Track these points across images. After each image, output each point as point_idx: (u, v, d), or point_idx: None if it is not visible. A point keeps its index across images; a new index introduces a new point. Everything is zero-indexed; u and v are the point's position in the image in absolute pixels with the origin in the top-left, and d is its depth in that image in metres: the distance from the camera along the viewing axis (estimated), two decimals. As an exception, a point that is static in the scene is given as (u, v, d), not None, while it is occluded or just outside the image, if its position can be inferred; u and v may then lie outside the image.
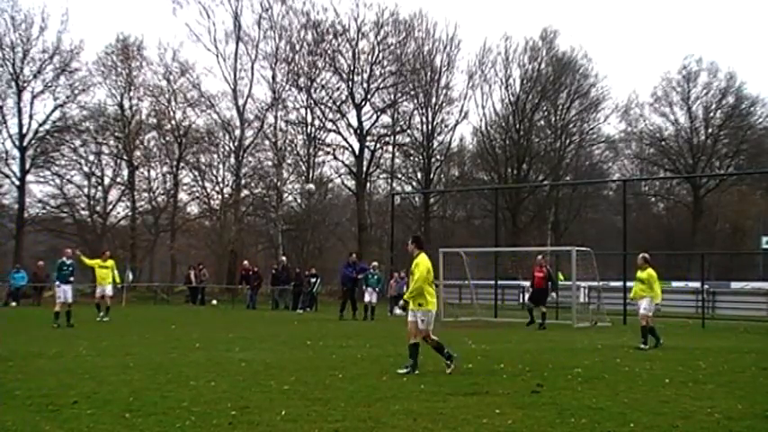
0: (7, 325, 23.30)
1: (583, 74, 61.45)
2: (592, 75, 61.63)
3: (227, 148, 53.93)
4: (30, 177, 49.67)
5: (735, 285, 45.28)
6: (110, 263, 26.61)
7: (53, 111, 49.61)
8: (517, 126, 59.76)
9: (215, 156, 54.61)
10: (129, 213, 53.05)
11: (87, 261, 26.93)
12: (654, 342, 17.84)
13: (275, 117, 52.94)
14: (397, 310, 34.97)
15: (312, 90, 53.67)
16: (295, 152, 54.70)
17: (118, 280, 27.53)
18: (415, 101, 56.42)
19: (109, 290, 26.59)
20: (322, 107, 54.51)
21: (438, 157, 58.80)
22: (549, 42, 60.39)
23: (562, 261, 34.99)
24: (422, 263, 12.85)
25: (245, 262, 41.93)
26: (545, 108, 61.67)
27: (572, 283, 28.42)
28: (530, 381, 11.66)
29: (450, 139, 59.51)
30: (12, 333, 20.12)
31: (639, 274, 18.46)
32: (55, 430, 7.94)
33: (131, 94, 51.68)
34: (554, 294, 27.76)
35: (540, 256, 27.72)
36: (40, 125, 49.32)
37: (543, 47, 60.21)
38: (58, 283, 23.95)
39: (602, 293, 31.81)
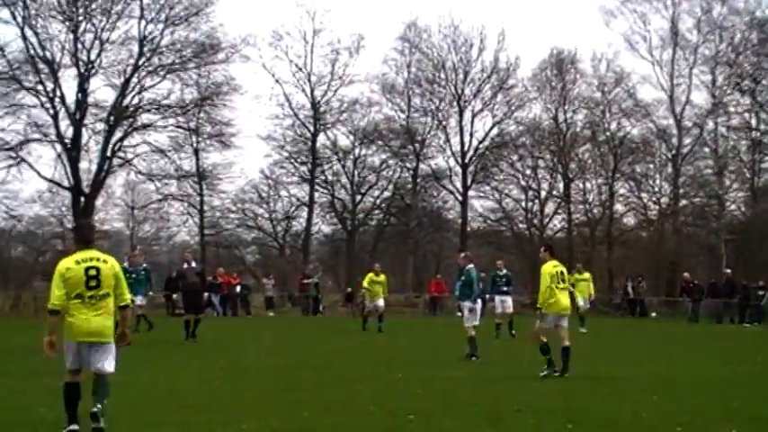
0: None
1: None
2: None
3: (663, 157, 52.33)
4: (471, 192, 52.40)
5: None
6: (382, 277, 26.05)
7: (491, 128, 51.94)
8: None
9: (650, 165, 53.24)
10: (566, 225, 53.56)
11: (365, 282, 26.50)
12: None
13: (715, 123, 50.39)
14: None
15: (756, 93, 50.21)
16: (738, 158, 51.55)
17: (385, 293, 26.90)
18: None
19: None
20: (768, 110, 50.80)
21: None
22: None
23: None
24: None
25: (686, 274, 40.22)
26: None
27: None
28: None
29: None
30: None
31: None
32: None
33: (566, 107, 52.20)
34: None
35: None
36: (480, 142, 51.94)
37: None
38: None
39: None
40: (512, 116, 51.79)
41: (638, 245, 52.68)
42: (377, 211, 55.09)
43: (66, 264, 8.14)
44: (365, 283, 25.90)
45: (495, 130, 51.86)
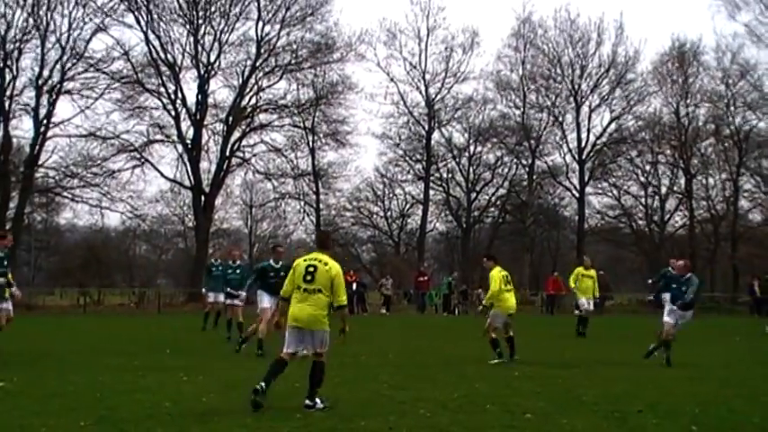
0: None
1: None
2: None
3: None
4: (588, 189, 51.59)
5: None
6: (592, 272, 24.14)
7: (609, 123, 51.23)
8: None
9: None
10: (687, 222, 52.11)
11: None
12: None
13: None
14: None
15: None
16: None
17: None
18: None
19: None
20: None
21: None
22: None
23: None
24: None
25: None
26: None
27: None
28: None
29: None
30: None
31: None
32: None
33: (688, 101, 50.72)
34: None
35: None
36: (597, 138, 51.19)
37: None
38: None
39: None
40: (630, 111, 50.97)
41: (765, 242, 50.78)
42: (492, 209, 54.93)
43: (299, 260, 9.68)
44: (572, 280, 23.19)
45: (613, 126, 51.22)
